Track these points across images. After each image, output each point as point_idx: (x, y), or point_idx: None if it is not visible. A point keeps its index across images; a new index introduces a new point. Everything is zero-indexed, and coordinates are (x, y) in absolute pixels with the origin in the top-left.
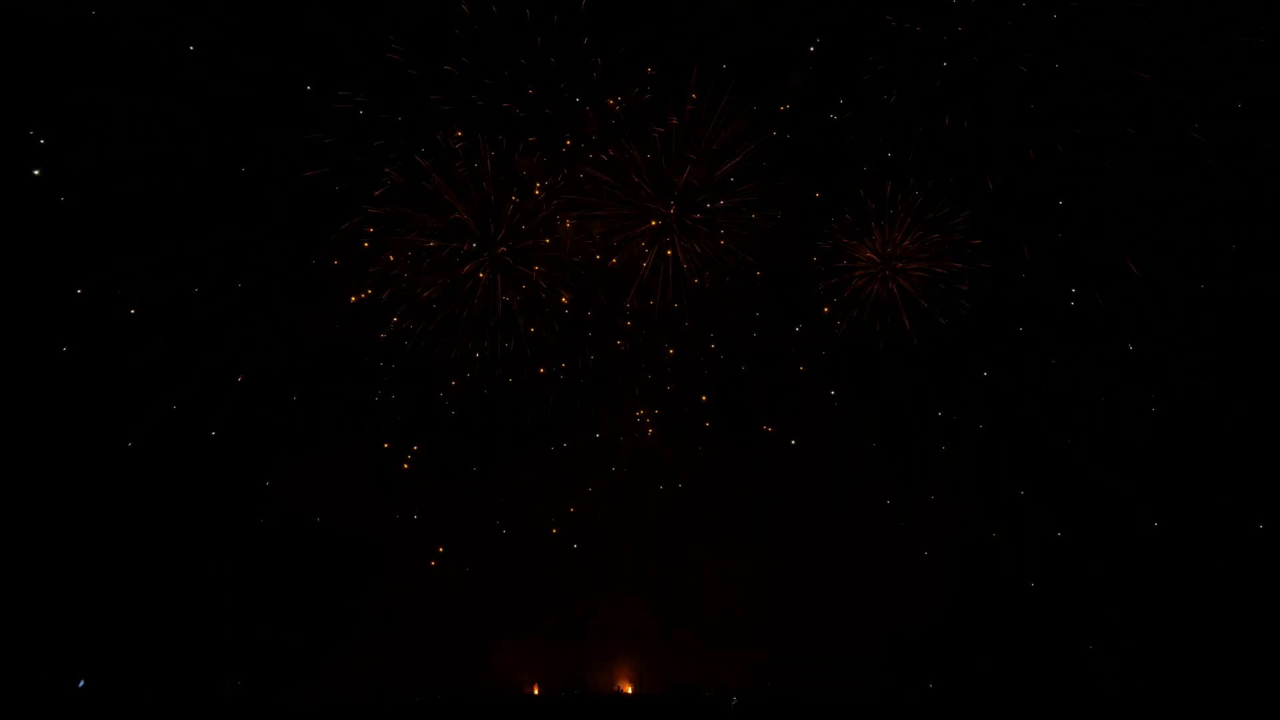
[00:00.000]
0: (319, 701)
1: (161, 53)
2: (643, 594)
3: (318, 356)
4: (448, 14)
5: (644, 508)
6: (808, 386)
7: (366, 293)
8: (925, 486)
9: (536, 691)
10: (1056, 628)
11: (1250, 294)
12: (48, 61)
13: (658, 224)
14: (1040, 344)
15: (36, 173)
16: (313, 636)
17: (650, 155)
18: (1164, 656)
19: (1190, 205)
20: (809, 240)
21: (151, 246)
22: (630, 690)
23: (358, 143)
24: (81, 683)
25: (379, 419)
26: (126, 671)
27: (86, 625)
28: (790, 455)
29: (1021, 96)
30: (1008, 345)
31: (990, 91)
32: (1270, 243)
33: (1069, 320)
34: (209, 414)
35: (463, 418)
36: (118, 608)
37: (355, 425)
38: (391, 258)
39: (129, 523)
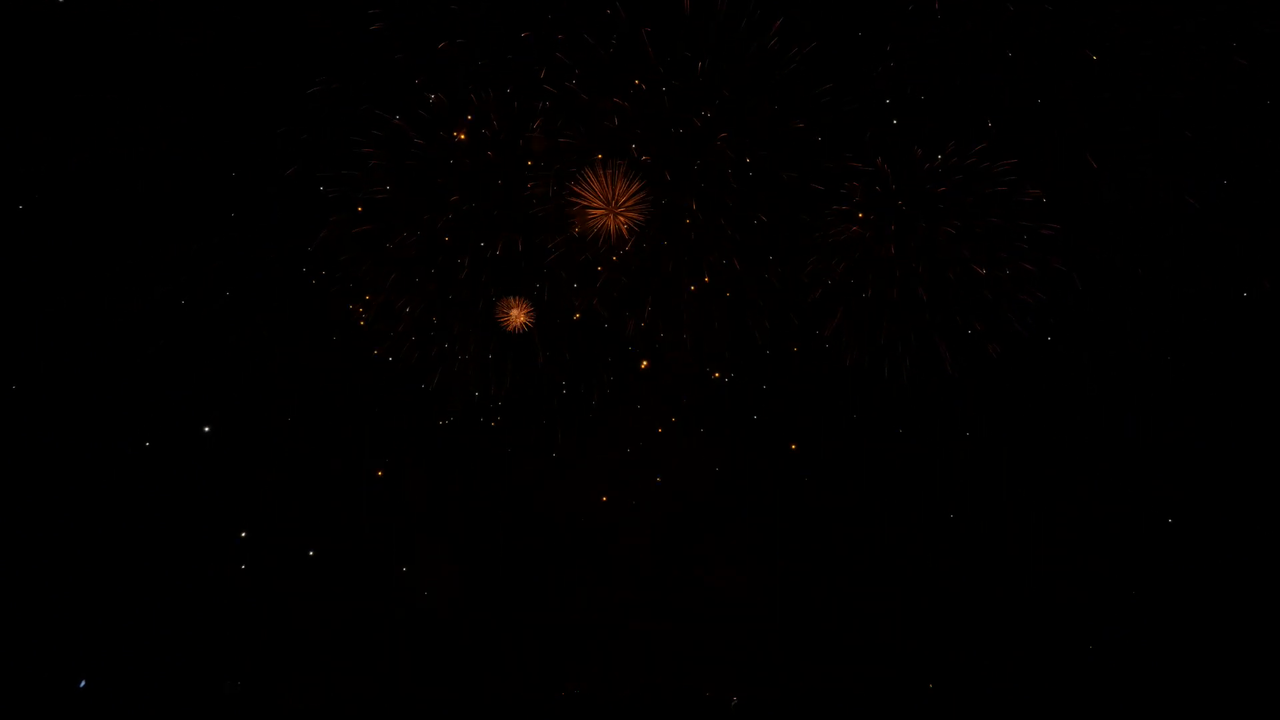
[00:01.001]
0: (319, 701)
1: (161, 53)
2: (644, 594)
3: (318, 357)
4: None
5: (646, 509)
6: (812, 396)
7: (358, 310)
8: (925, 486)
9: (537, 692)
10: (1056, 628)
11: (1251, 294)
12: (47, 61)
13: (686, 222)
14: (1040, 344)
15: (35, 172)
16: (313, 636)
17: (670, 151)
18: (1164, 656)
19: (1190, 205)
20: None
21: (151, 246)
22: (632, 690)
23: (348, 137)
24: (83, 683)
25: (381, 420)
26: (126, 671)
27: (86, 625)
28: (791, 456)
29: (1023, 96)
30: (1016, 349)
31: (994, 91)
32: (1270, 243)
33: (1068, 320)
34: (208, 414)
35: (466, 420)
36: (118, 608)
37: (357, 425)
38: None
39: (128, 523)
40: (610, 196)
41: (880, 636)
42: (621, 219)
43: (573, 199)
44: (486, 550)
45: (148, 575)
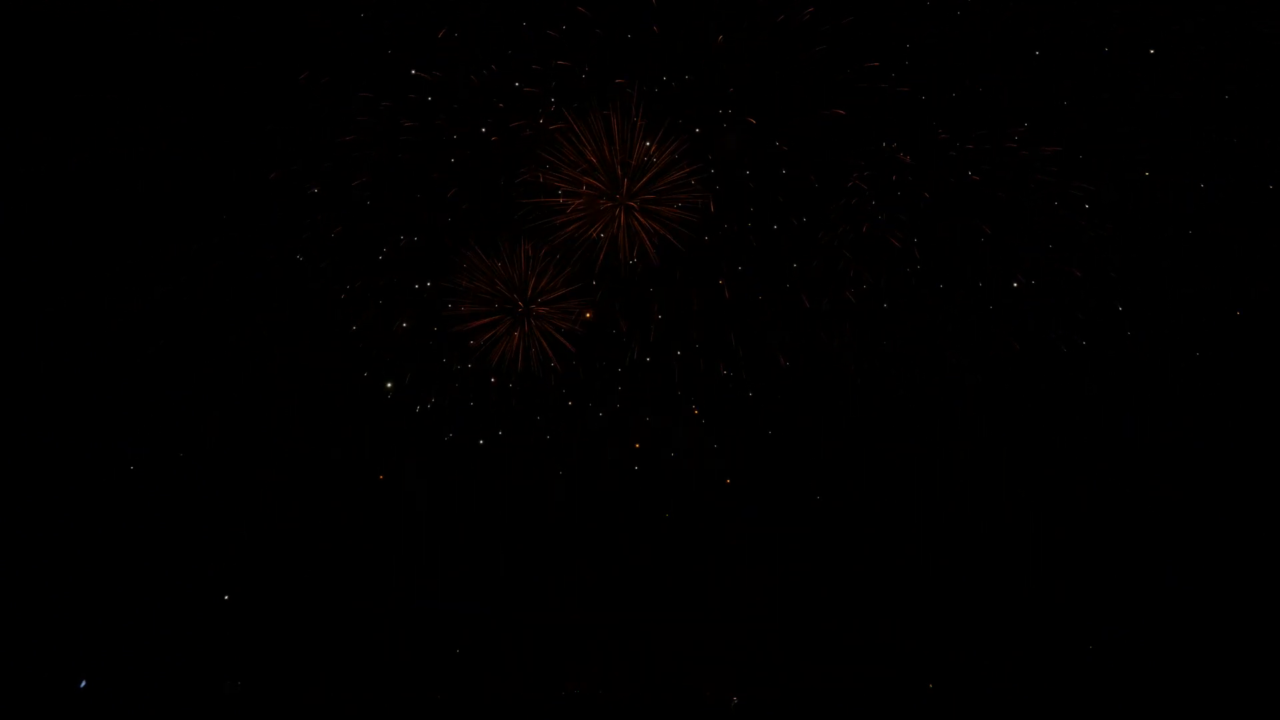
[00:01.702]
0: (319, 701)
1: (161, 53)
2: (644, 594)
3: (318, 357)
4: None
5: (646, 509)
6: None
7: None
8: (925, 487)
9: (537, 692)
10: (1056, 628)
11: (1250, 294)
12: (47, 61)
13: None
14: (1038, 344)
15: (35, 172)
16: (313, 636)
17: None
18: (1164, 656)
19: (1190, 205)
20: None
21: (151, 246)
22: (632, 691)
23: (343, 133)
24: (84, 683)
25: (382, 418)
26: (126, 671)
27: (86, 625)
28: (791, 456)
29: (1021, 97)
30: (1009, 347)
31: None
32: (1270, 243)
33: (1067, 321)
34: (208, 414)
35: (466, 418)
36: (118, 608)
37: (357, 425)
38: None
39: (129, 523)
40: (618, 180)
41: (880, 636)
42: (637, 214)
43: (574, 186)
44: (486, 550)
45: (148, 575)
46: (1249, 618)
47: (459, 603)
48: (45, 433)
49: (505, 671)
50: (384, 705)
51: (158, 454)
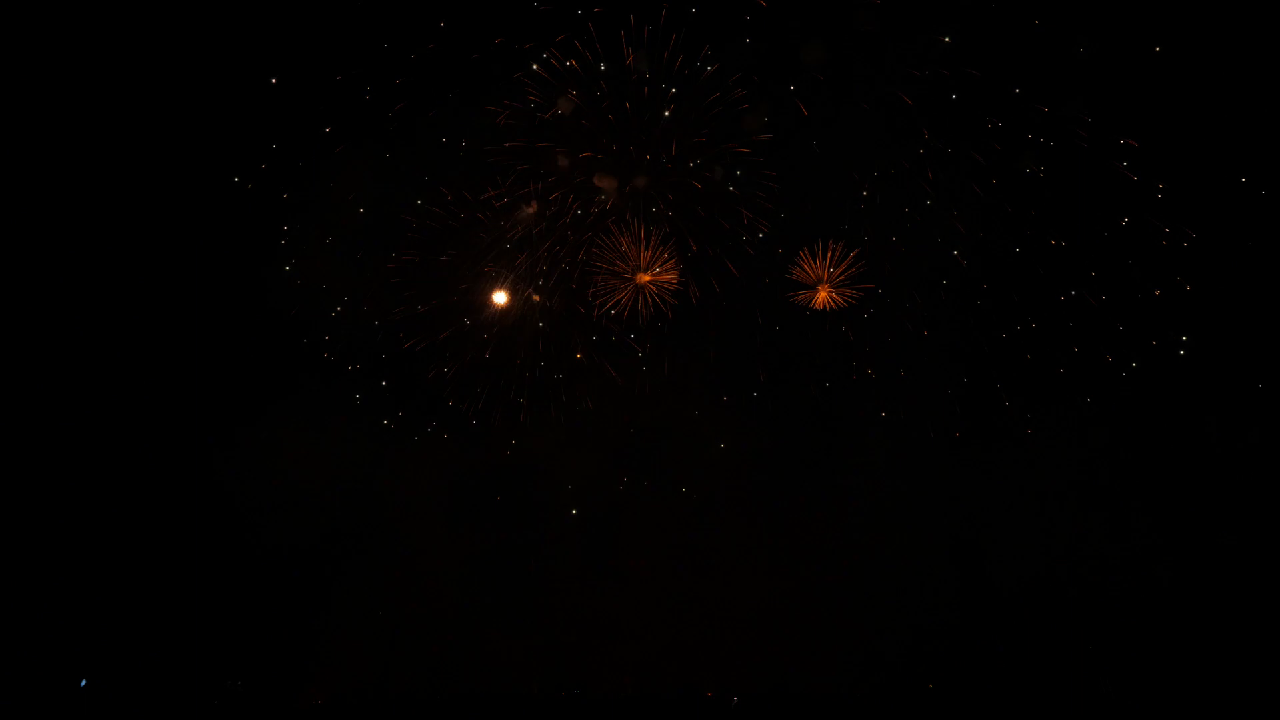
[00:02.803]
0: (319, 701)
1: (161, 53)
2: (645, 594)
3: (316, 355)
4: None
5: (646, 508)
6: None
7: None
8: (926, 487)
9: (536, 691)
10: (1056, 628)
11: (1250, 294)
12: (48, 61)
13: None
14: (1039, 344)
15: (35, 172)
16: (313, 636)
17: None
18: (1163, 656)
19: (1189, 205)
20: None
21: (151, 246)
22: (630, 690)
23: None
24: (84, 682)
25: (378, 415)
26: (126, 671)
27: (86, 625)
28: (791, 455)
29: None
30: (1006, 345)
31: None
32: (1270, 243)
33: (1067, 320)
34: (208, 413)
35: (465, 413)
36: (118, 608)
37: (355, 423)
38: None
39: (129, 522)
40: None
41: (880, 636)
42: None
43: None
44: (487, 549)
45: (148, 575)
46: (1249, 620)
47: (458, 602)
48: (45, 432)
49: (505, 671)
50: (384, 705)
51: (158, 454)
